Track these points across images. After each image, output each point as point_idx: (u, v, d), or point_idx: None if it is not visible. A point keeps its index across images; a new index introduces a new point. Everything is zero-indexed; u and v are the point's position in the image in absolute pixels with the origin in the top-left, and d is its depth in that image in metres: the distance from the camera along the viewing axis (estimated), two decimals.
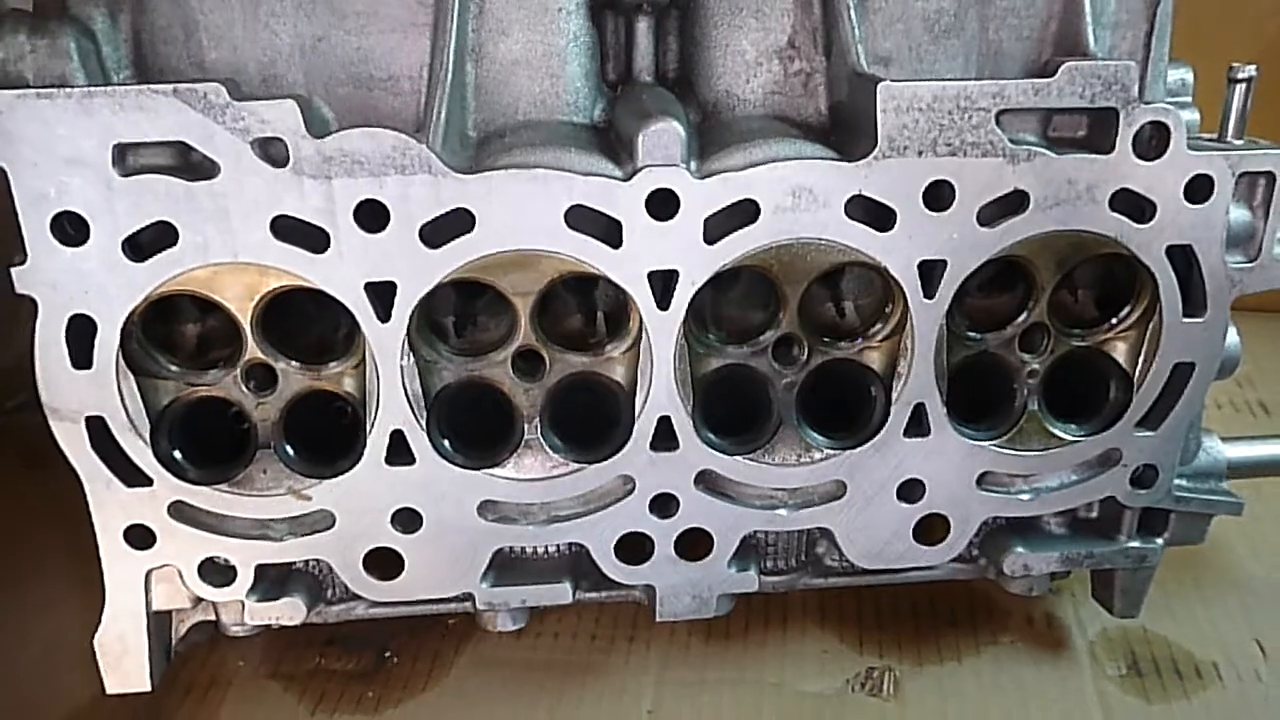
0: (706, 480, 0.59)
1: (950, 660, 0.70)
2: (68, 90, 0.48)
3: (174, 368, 0.56)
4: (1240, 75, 0.57)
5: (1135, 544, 0.64)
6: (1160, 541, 0.64)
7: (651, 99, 0.55)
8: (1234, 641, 0.72)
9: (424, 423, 0.56)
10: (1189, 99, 0.65)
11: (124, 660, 0.60)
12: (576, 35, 0.57)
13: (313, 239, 0.52)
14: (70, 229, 0.50)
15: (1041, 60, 0.58)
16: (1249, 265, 0.58)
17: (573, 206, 0.52)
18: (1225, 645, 0.72)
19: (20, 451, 0.82)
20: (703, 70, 0.58)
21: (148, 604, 0.59)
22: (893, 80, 0.55)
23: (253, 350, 0.55)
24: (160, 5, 0.54)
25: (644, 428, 0.57)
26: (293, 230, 0.51)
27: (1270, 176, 0.56)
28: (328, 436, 0.58)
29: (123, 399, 0.54)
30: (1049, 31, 0.58)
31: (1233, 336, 0.62)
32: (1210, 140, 0.58)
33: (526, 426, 0.58)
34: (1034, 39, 0.58)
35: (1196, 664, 0.70)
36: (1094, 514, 0.65)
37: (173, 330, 0.56)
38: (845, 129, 0.56)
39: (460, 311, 0.58)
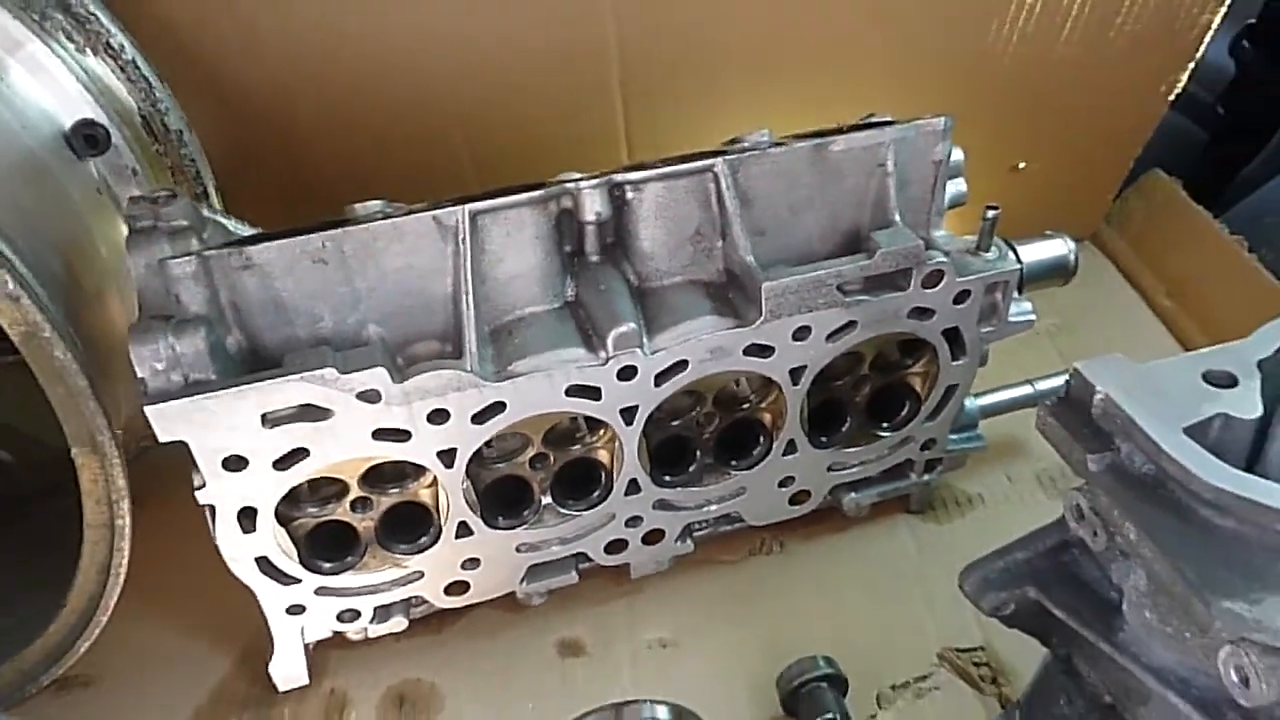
0: (661, 504, 0.90)
1: (815, 526, 1.05)
2: (227, 390, 0.69)
3: (305, 511, 0.81)
4: (989, 215, 0.85)
5: (924, 477, 1.00)
6: (937, 472, 1.00)
7: (609, 295, 0.79)
8: (990, 478, 1.11)
9: (478, 513, 0.84)
10: (961, 177, 0.92)
11: (290, 674, 0.89)
12: (548, 250, 0.79)
13: (399, 435, 0.76)
14: (235, 463, 0.73)
15: (865, 217, 0.84)
16: (993, 328, 0.89)
17: (570, 385, 0.78)
18: (985, 481, 1.10)
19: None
20: (636, 253, 0.81)
21: (303, 642, 0.88)
22: (766, 242, 0.82)
23: (355, 491, 0.81)
24: (249, 290, 0.73)
25: (620, 486, 0.87)
26: (386, 432, 0.75)
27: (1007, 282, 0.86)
28: (410, 518, 0.85)
29: (277, 542, 0.79)
30: (868, 199, 0.83)
31: None
32: (969, 248, 0.87)
33: (542, 498, 0.87)
34: (860, 205, 0.84)
35: (968, 496, 1.08)
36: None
37: (298, 487, 0.80)
38: (738, 288, 0.82)
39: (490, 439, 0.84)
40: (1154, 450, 0.53)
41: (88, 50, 0.86)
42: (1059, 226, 0.98)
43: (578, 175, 0.79)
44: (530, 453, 0.84)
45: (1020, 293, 0.91)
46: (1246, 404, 0.56)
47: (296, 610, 0.85)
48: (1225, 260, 1.21)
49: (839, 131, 0.83)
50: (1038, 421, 0.62)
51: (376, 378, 0.72)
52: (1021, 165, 1.19)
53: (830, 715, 0.80)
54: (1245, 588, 0.50)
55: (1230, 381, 0.58)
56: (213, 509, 0.75)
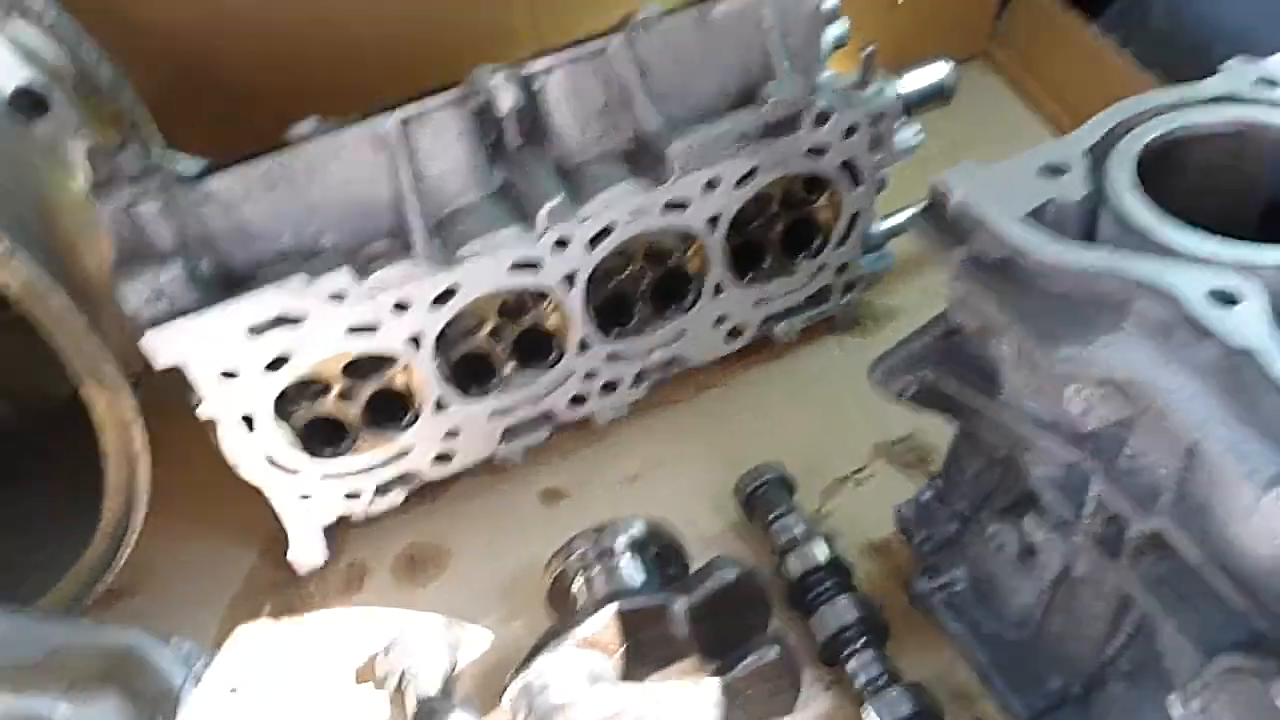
0: (612, 356, 1.01)
1: (752, 357, 1.15)
2: (211, 310, 0.78)
3: (297, 406, 0.91)
4: (866, 53, 0.93)
5: (844, 299, 1.11)
6: (855, 292, 1.12)
7: (535, 176, 0.88)
8: (905, 292, 1.21)
9: (451, 386, 0.94)
10: (842, 19, 1.00)
11: (309, 557, 1.01)
12: (473, 144, 0.87)
13: (369, 328, 0.85)
14: (228, 376, 0.82)
15: (754, 70, 0.92)
16: (885, 155, 0.99)
17: (513, 262, 0.87)
18: (900, 294, 1.19)
19: None
20: (553, 134, 0.89)
21: (315, 526, 0.99)
22: (668, 106, 0.91)
23: (339, 385, 0.91)
24: (213, 219, 0.81)
25: (572, 346, 0.97)
26: (356, 328, 0.85)
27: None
28: (392, 402, 0.95)
29: (278, 439, 0.89)
30: (755, 54, 0.92)
31: None
32: (852, 85, 0.96)
33: (505, 366, 0.97)
34: (748, 60, 0.92)
35: (888, 309, 1.17)
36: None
37: (287, 389, 0.90)
38: (649, 152, 0.91)
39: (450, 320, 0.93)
40: (995, 238, 0.64)
41: (14, 13, 0.91)
42: (948, 49, 1.06)
43: (490, 68, 0.86)
44: (488, 328, 0.94)
45: (910, 116, 1.01)
46: (1072, 188, 0.67)
47: (305, 497, 0.95)
48: (1099, 62, 1.31)
49: None
50: (913, 229, 0.73)
51: (342, 278, 0.81)
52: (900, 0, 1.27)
53: (782, 509, 0.93)
54: (1078, 335, 0.62)
55: (1061, 170, 0.68)
56: (213, 422, 0.85)
